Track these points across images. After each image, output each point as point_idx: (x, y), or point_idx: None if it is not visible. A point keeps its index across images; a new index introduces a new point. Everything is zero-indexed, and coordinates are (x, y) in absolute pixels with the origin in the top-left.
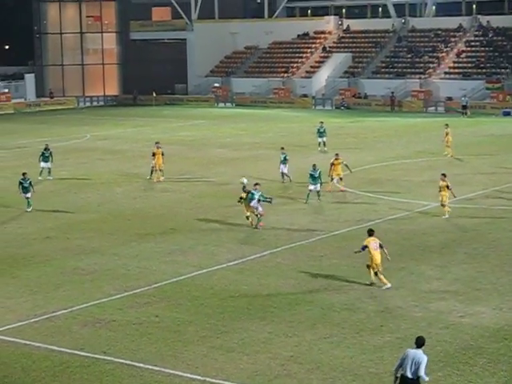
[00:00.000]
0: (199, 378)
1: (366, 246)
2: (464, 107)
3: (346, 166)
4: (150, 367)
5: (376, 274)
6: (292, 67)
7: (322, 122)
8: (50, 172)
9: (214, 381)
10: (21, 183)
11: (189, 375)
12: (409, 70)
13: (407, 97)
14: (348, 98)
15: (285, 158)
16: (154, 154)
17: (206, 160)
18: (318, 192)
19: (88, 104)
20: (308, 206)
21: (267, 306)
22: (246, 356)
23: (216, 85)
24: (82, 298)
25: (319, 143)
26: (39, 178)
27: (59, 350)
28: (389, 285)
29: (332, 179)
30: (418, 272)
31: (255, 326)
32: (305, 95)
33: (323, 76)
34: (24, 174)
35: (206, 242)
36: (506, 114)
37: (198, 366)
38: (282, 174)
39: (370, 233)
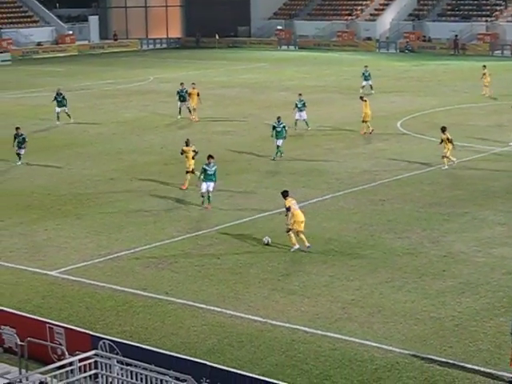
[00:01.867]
0: (260, 319)
1: (289, 208)
2: None
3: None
4: (212, 308)
5: (290, 232)
6: (356, 10)
7: (366, 66)
8: (69, 116)
9: (274, 323)
10: (15, 138)
11: (250, 317)
12: (475, 13)
13: (473, 40)
14: (412, 41)
15: (303, 105)
16: (189, 94)
17: (268, 103)
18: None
19: (151, 46)
20: (369, 151)
21: (329, 250)
22: (307, 299)
23: (279, 27)
24: (144, 239)
25: (363, 86)
26: (57, 123)
27: (122, 289)
28: (297, 246)
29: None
30: (481, 217)
31: (316, 269)
32: (369, 38)
33: (387, 19)
34: (17, 128)
35: (267, 184)
36: None
37: (259, 308)
38: (296, 121)
39: (285, 194)
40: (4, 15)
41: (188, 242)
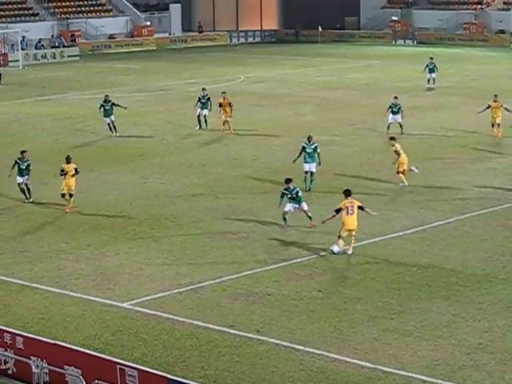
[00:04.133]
0: (369, 365)
1: (338, 210)
2: None
3: (506, 109)
4: (311, 350)
5: (339, 237)
6: None
7: (431, 58)
8: (114, 128)
9: (386, 369)
10: (17, 164)
11: (357, 361)
12: None
13: None
14: None
15: (399, 109)
16: (220, 105)
17: (379, 108)
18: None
19: (242, 40)
20: (502, 165)
21: (452, 284)
22: (426, 341)
23: (394, 18)
24: (232, 267)
25: (428, 80)
26: (113, 134)
27: (206, 326)
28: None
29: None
30: None
31: (437, 306)
32: (502, 31)
33: None
34: (23, 152)
35: (379, 205)
36: None
37: (368, 352)
38: (390, 124)
39: (347, 193)
40: (72, 3)
41: (283, 270)
